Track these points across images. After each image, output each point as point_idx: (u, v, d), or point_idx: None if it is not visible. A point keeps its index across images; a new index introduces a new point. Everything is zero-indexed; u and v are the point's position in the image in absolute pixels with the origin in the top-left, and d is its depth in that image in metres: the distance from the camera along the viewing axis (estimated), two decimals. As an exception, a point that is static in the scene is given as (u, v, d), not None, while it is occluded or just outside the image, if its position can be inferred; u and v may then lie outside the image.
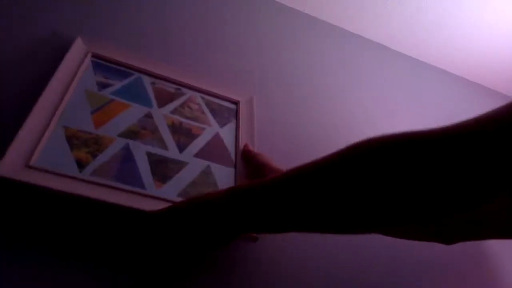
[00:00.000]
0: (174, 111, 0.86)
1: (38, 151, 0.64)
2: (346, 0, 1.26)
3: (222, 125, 0.90)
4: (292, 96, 1.10)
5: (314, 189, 0.46)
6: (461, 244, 0.94)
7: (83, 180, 0.64)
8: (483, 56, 1.39)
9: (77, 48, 0.85)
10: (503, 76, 1.46)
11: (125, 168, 0.70)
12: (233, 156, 0.84)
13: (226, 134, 0.88)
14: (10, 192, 0.60)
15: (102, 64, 0.86)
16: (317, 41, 1.28)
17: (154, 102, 0.85)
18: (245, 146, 0.84)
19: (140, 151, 0.74)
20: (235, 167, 0.82)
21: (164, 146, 0.78)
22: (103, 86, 0.82)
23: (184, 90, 0.92)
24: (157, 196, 0.67)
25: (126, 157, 0.72)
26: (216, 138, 0.86)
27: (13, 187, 0.60)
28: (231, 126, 0.91)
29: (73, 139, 0.70)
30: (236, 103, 0.97)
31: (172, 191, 0.71)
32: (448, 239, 0.58)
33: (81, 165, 0.67)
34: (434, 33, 1.32)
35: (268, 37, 1.22)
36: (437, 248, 0.91)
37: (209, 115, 0.90)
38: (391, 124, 1.16)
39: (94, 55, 0.87)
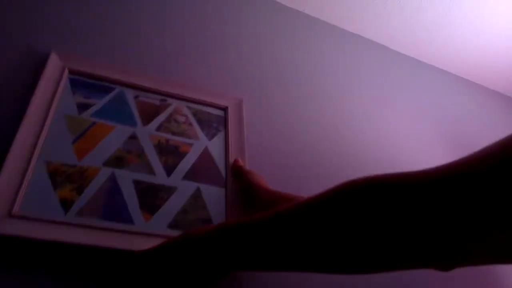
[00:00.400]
0: (159, 128, 0.83)
1: (20, 195, 0.62)
2: (346, 0, 1.23)
3: (210, 137, 0.87)
4: (291, 96, 1.07)
5: (303, 228, 0.46)
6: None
7: (69, 224, 0.62)
8: (483, 56, 1.37)
9: (53, 65, 0.81)
10: (503, 76, 1.44)
11: (112, 203, 0.68)
12: (223, 172, 0.82)
13: (215, 147, 0.86)
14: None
15: (80, 81, 0.82)
16: (317, 41, 1.24)
17: (138, 119, 0.82)
18: (235, 161, 0.82)
19: (127, 180, 0.73)
20: (225, 186, 0.80)
21: (151, 170, 0.76)
22: (83, 107, 0.79)
23: (169, 100, 0.89)
24: (146, 232, 0.66)
25: (113, 189, 0.70)
26: (205, 154, 0.84)
27: (-3, 240, 0.59)
28: (220, 137, 0.88)
29: (56, 176, 0.68)
30: (224, 109, 0.93)
31: (162, 222, 0.70)
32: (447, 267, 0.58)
33: (66, 205, 0.65)
34: (434, 33, 1.30)
35: (268, 37, 1.17)
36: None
37: (197, 127, 0.87)
38: (391, 124, 1.14)
39: (72, 71, 0.82)
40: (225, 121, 0.91)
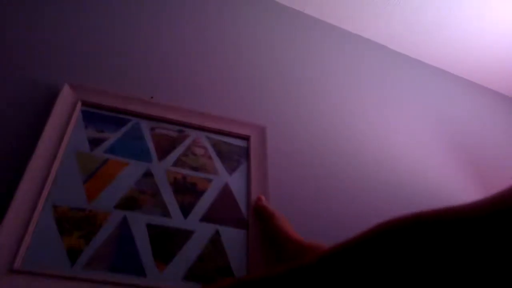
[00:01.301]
0: (176, 162, 0.77)
1: (24, 247, 0.57)
2: (346, 0, 1.23)
3: (231, 171, 0.80)
4: (290, 96, 1.02)
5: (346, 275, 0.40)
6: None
7: (75, 279, 0.57)
8: (483, 56, 1.35)
9: (65, 97, 0.76)
10: (503, 76, 1.42)
11: (122, 252, 0.63)
12: (244, 212, 0.75)
13: (236, 182, 0.79)
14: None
15: (93, 114, 0.78)
16: (317, 41, 1.20)
17: (154, 154, 0.77)
18: (258, 200, 0.75)
19: (140, 224, 0.67)
20: (247, 227, 0.73)
21: (166, 212, 0.70)
22: (96, 143, 0.74)
23: (187, 131, 0.83)
24: (159, 286, 0.60)
25: (124, 236, 0.65)
26: (225, 190, 0.77)
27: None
28: (241, 170, 0.81)
29: (64, 222, 0.62)
30: (246, 138, 0.86)
31: (177, 273, 0.64)
32: None
33: (73, 255, 0.60)
34: (434, 33, 1.28)
35: (268, 37, 1.13)
36: None
37: (217, 160, 0.81)
38: (391, 124, 1.09)
39: (84, 103, 0.78)
40: (247, 152, 0.84)
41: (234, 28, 1.10)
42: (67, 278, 0.57)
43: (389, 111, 1.13)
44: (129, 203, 0.68)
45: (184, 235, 0.68)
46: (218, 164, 0.80)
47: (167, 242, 0.66)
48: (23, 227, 0.59)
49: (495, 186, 1.11)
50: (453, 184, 1.05)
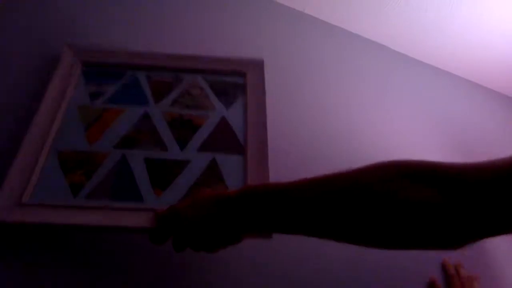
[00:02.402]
0: (173, 103, 0.80)
1: (31, 185, 0.63)
2: (346, 0, 1.21)
3: (228, 105, 0.81)
4: (289, 95, 0.99)
5: (340, 204, 0.46)
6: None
7: (77, 207, 0.61)
8: (483, 56, 1.32)
9: (66, 59, 0.81)
10: (503, 76, 1.38)
11: (121, 183, 0.66)
12: (241, 139, 0.76)
13: (234, 115, 0.80)
14: (6, 232, 0.61)
15: (93, 71, 0.82)
16: (317, 41, 1.19)
17: (150, 98, 0.80)
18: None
19: (138, 159, 0.70)
20: (244, 153, 0.73)
21: (163, 147, 0.72)
22: (96, 96, 0.78)
23: (183, 75, 0.85)
24: (156, 208, 0.62)
25: (123, 170, 0.68)
26: (222, 123, 0.78)
27: (7, 228, 0.60)
28: (239, 104, 0.82)
29: (67, 163, 0.67)
30: (243, 75, 0.86)
31: (174, 197, 0.66)
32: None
33: (75, 189, 0.64)
34: (434, 33, 1.26)
35: (267, 37, 1.12)
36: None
37: (213, 97, 0.82)
38: (391, 124, 1.07)
39: (84, 63, 0.83)
40: (244, 87, 0.84)
41: (234, 28, 1.10)
42: (70, 207, 0.61)
43: (389, 111, 1.11)
44: (127, 142, 0.72)
45: (181, 164, 0.70)
46: (214, 100, 0.81)
47: (164, 172, 0.69)
48: (30, 168, 0.65)
49: None
50: None
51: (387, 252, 0.48)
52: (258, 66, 0.87)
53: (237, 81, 0.85)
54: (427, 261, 0.77)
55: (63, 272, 0.59)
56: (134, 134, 0.73)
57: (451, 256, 0.79)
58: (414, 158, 0.98)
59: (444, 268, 0.78)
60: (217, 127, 0.77)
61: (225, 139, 0.75)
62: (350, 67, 1.17)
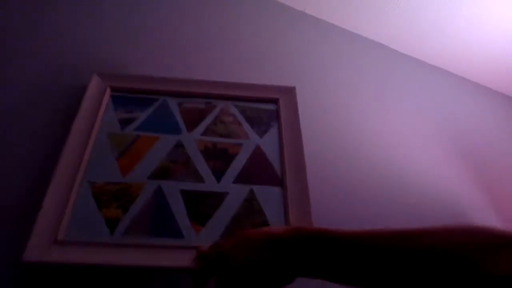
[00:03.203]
0: (205, 132, 0.77)
1: (65, 220, 0.60)
2: (347, 0, 1.22)
3: (262, 133, 0.79)
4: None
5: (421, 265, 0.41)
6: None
7: (115, 245, 0.58)
8: (483, 56, 1.33)
9: (95, 85, 0.79)
10: (503, 76, 1.39)
11: (158, 217, 0.63)
12: (278, 170, 0.73)
13: (268, 144, 0.77)
14: (41, 272, 0.58)
15: (122, 97, 0.80)
16: (317, 41, 1.19)
17: (183, 126, 0.77)
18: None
19: (174, 190, 0.67)
20: (282, 185, 0.71)
21: (199, 178, 0.70)
22: (126, 122, 0.76)
23: (214, 102, 0.83)
24: (196, 245, 0.60)
25: (159, 203, 0.65)
26: (257, 152, 0.76)
27: (43, 268, 0.57)
28: (272, 132, 0.79)
29: (101, 196, 0.65)
30: (275, 101, 0.85)
31: (214, 233, 0.63)
32: None
33: (111, 224, 0.61)
34: (434, 32, 1.27)
35: (267, 37, 1.11)
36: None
37: (246, 125, 0.80)
38: (391, 124, 1.06)
39: (113, 89, 0.81)
40: (277, 114, 0.82)
41: (234, 27, 1.10)
42: (108, 245, 0.58)
43: (389, 111, 1.10)
44: (162, 173, 0.69)
45: (219, 197, 0.68)
46: (248, 128, 0.79)
47: (201, 205, 0.66)
48: (63, 202, 0.62)
49: (496, 186, 1.09)
50: (454, 183, 1.01)
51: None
52: (290, 92, 0.85)
53: (270, 107, 0.83)
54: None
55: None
56: (168, 164, 0.71)
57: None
58: (413, 157, 0.98)
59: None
60: (252, 157, 0.75)
61: (262, 170, 0.73)
62: (350, 67, 1.17)
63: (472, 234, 0.39)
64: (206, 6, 1.11)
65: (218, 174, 0.71)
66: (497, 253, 0.37)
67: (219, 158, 0.73)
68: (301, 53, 1.13)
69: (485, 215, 0.98)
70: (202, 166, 0.72)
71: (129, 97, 0.81)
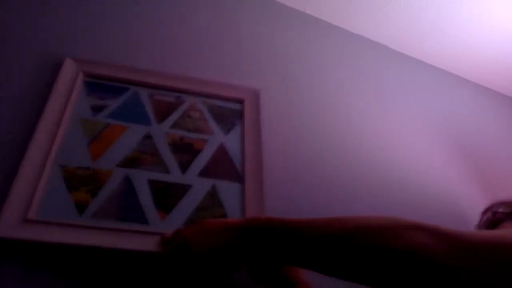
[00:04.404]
0: (174, 125, 0.82)
1: (35, 200, 0.63)
2: (347, 0, 1.23)
3: (226, 131, 0.85)
4: (290, 95, 1.03)
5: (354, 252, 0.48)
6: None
7: (84, 226, 0.63)
8: (483, 56, 1.34)
9: (68, 70, 0.81)
10: (503, 76, 1.41)
11: (126, 204, 0.68)
12: (239, 168, 0.80)
13: (231, 142, 0.84)
14: (10, 249, 0.60)
15: (95, 83, 0.83)
16: (317, 41, 1.21)
17: (152, 118, 0.82)
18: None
19: (141, 180, 0.72)
20: (242, 181, 0.78)
21: (165, 169, 0.75)
22: (98, 109, 0.79)
23: (184, 97, 0.87)
24: (161, 231, 0.65)
25: (127, 190, 0.70)
26: (220, 149, 0.82)
27: (12, 244, 0.60)
28: (236, 131, 0.86)
29: (71, 179, 0.68)
30: (241, 102, 0.91)
31: (177, 221, 0.69)
32: None
33: (81, 207, 0.65)
34: (434, 33, 1.28)
35: (268, 37, 1.14)
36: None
37: (212, 122, 0.85)
38: (391, 124, 1.10)
39: (86, 74, 0.83)
40: (241, 114, 0.88)
41: (234, 27, 1.12)
42: (76, 226, 0.62)
43: (389, 111, 1.13)
44: (130, 162, 0.74)
45: (183, 188, 0.73)
46: (213, 125, 0.85)
47: (167, 194, 0.72)
48: (34, 183, 0.64)
49: (497, 186, 1.12)
50: (455, 184, 1.05)
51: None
52: (255, 94, 0.92)
53: (235, 107, 0.90)
54: None
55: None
56: (137, 154, 0.75)
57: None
58: (413, 157, 1.05)
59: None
60: (216, 153, 0.81)
61: (224, 166, 0.79)
62: (350, 67, 1.19)
63: (388, 219, 0.48)
64: (206, 6, 1.12)
65: (184, 167, 0.76)
66: (403, 233, 0.46)
67: (185, 151, 0.79)
68: (301, 53, 1.15)
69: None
70: (169, 158, 0.77)
71: (102, 83, 0.83)
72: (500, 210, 0.74)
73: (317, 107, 1.03)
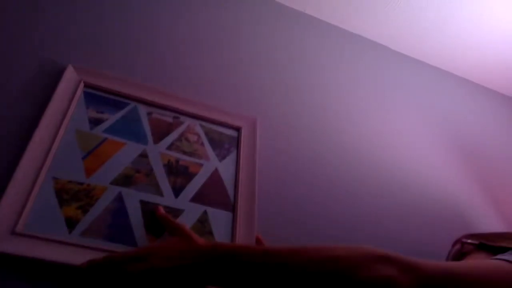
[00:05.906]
0: (170, 146, 0.82)
1: (25, 213, 0.62)
2: (347, 1, 1.25)
3: (221, 158, 0.85)
4: (290, 95, 1.05)
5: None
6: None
7: (72, 244, 0.62)
8: (483, 56, 1.37)
9: (69, 78, 0.80)
10: (503, 76, 1.44)
11: (116, 224, 0.67)
12: (231, 196, 0.80)
13: (226, 169, 0.84)
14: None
15: (95, 95, 0.82)
16: (317, 41, 1.23)
17: (150, 137, 0.81)
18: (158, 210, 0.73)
19: (134, 200, 0.72)
20: (233, 210, 0.78)
21: (159, 191, 0.75)
22: (95, 122, 0.78)
23: (182, 118, 0.88)
24: (149, 256, 0.65)
25: (118, 209, 0.69)
26: (215, 175, 0.82)
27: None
28: (231, 158, 0.86)
29: (63, 193, 0.67)
30: (238, 129, 0.92)
31: (166, 246, 0.68)
32: None
33: (71, 224, 0.64)
34: (434, 33, 1.30)
35: (268, 37, 1.16)
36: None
37: (208, 147, 0.86)
38: (391, 124, 1.12)
39: (87, 85, 0.82)
40: (237, 142, 0.89)
41: (234, 26, 1.14)
42: (65, 244, 0.61)
43: (389, 111, 1.16)
44: (124, 180, 0.73)
45: (175, 213, 0.73)
46: (209, 150, 0.85)
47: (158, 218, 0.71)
48: (25, 195, 0.63)
49: (496, 186, 1.14)
50: (455, 184, 1.08)
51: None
52: (252, 122, 0.93)
53: (232, 134, 0.90)
54: None
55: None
56: (131, 172, 0.75)
57: None
58: (414, 158, 1.07)
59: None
60: (209, 179, 0.81)
61: (217, 193, 0.79)
62: (350, 67, 1.20)
63: (357, 250, 0.49)
64: (206, 6, 1.12)
65: (177, 191, 0.76)
66: (370, 264, 0.47)
67: (180, 174, 0.79)
68: (301, 53, 1.16)
69: (485, 215, 1.02)
70: (163, 180, 0.76)
71: (101, 96, 0.83)
72: (469, 241, 0.78)
73: (314, 107, 1.03)
